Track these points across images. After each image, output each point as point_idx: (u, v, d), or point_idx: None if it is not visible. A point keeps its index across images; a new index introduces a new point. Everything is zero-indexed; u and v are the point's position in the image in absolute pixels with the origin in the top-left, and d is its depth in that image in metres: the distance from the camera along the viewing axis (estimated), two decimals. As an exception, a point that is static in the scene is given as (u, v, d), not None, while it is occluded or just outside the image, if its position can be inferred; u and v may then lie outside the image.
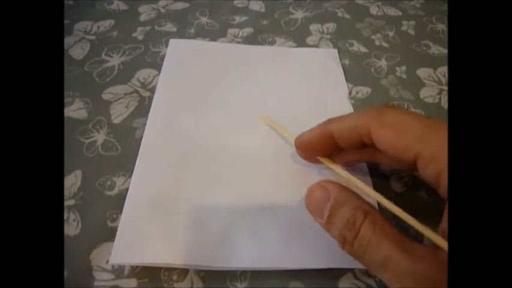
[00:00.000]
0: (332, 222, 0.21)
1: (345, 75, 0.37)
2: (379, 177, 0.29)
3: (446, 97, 0.35)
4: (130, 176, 0.28)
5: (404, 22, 0.45)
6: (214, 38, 0.40)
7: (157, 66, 0.37)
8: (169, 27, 0.42)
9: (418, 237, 0.24)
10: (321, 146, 0.26)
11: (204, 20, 0.43)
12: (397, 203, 0.28)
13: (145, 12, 0.43)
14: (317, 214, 0.22)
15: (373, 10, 0.46)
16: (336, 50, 0.40)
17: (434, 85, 0.37)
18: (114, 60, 0.37)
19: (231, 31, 0.42)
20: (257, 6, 0.45)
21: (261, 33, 0.41)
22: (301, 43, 0.41)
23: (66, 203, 0.26)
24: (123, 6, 0.44)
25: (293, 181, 0.28)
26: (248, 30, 0.42)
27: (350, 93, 0.35)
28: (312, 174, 0.29)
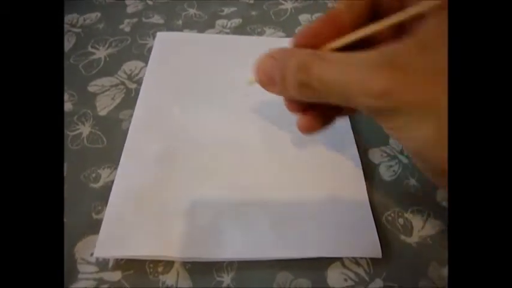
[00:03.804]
0: (286, 78, 0.20)
1: (335, 65, 0.36)
2: (369, 166, 0.29)
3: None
4: (115, 169, 0.27)
5: (394, 12, 0.44)
6: (202, 30, 0.40)
7: (144, 58, 0.36)
8: (156, 19, 0.41)
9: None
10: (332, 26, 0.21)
11: (192, 11, 0.42)
12: (387, 191, 0.28)
13: (133, 4, 0.43)
14: (271, 82, 0.21)
15: (364, 0, 0.46)
16: (325, 40, 0.39)
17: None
18: (101, 53, 0.37)
19: (220, 22, 0.41)
20: (246, -3, 0.44)
21: (249, 24, 0.41)
22: (290, 34, 0.40)
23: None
24: (110, -1, 0.43)
25: (282, 172, 0.28)
26: (237, 21, 0.41)
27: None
28: (301, 166, 0.28)
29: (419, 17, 0.18)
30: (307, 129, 0.23)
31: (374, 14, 0.21)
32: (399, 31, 0.20)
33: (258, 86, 0.22)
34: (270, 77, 0.21)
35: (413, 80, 0.17)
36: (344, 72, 0.18)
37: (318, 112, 0.23)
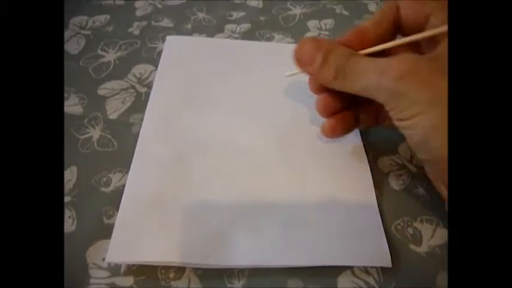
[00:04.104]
0: (328, 60, 0.24)
1: (343, 72, 0.37)
2: (378, 175, 0.29)
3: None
4: (126, 173, 0.27)
5: (402, 19, 0.44)
6: (211, 34, 0.40)
7: (154, 62, 0.36)
8: (165, 22, 0.41)
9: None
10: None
11: (201, 15, 0.42)
12: (396, 200, 0.28)
13: (142, 7, 0.43)
14: (307, 62, 0.25)
15: (372, 7, 0.46)
16: (334, 47, 0.39)
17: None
18: (110, 56, 0.37)
19: (229, 27, 0.41)
20: (255, 2, 0.44)
21: (258, 29, 0.41)
22: (299, 39, 0.40)
23: (61, 200, 0.26)
24: (119, 1, 0.43)
25: (292, 177, 0.28)
26: (246, 26, 0.41)
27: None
28: (312, 171, 0.29)
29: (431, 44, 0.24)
30: (331, 132, 0.28)
31: (395, 33, 0.26)
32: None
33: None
34: (310, 56, 0.25)
35: (424, 75, 0.21)
36: (371, 65, 0.23)
37: (341, 117, 0.28)
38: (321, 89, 0.28)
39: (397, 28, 0.26)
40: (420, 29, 0.24)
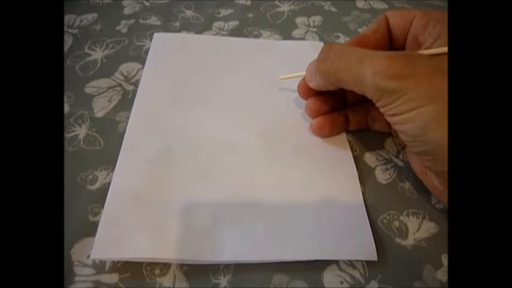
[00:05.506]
0: (316, 61, 0.27)
1: (331, 68, 0.37)
2: (365, 169, 0.29)
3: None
4: (112, 170, 0.27)
5: (390, 15, 0.44)
6: (199, 31, 0.40)
7: (141, 60, 0.36)
8: (153, 20, 0.41)
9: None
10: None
11: (189, 13, 0.42)
12: (382, 194, 0.28)
13: (130, 5, 0.43)
14: (309, 79, 0.28)
15: (360, 3, 0.46)
16: (322, 43, 0.40)
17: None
18: (97, 54, 0.37)
19: (217, 24, 0.41)
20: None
21: (246, 26, 0.41)
22: (287, 36, 0.40)
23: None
24: (107, 0, 0.43)
25: (278, 175, 0.28)
26: (234, 23, 0.41)
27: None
28: (297, 169, 0.29)
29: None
30: (319, 130, 0.30)
31: (390, 39, 0.28)
32: None
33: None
34: (309, 75, 0.28)
35: (422, 72, 0.21)
36: (365, 55, 0.23)
37: (330, 117, 0.30)
38: (310, 94, 0.30)
39: (390, 34, 0.28)
40: (405, 32, 0.27)
